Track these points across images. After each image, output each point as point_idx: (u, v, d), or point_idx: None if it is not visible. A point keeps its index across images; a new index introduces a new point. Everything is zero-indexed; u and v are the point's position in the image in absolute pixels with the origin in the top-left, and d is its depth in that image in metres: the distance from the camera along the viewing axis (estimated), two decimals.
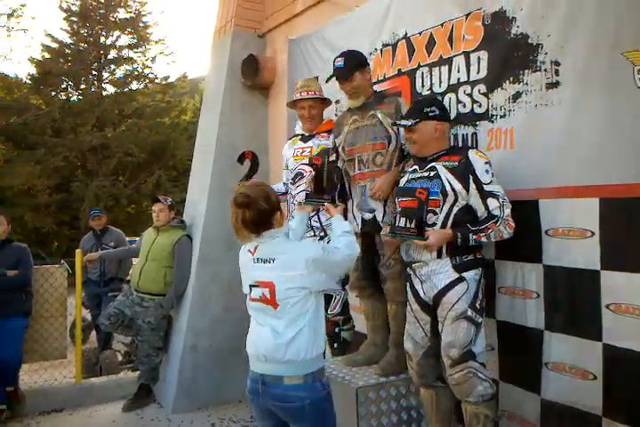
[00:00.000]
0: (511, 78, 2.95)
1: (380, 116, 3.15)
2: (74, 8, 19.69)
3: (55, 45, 19.51)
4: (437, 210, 2.71)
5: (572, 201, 2.66)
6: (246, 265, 2.41)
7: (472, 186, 2.65)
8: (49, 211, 17.38)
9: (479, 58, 3.13)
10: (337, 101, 4.17)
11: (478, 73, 3.14)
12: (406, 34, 3.66)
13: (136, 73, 20.36)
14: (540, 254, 2.78)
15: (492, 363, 2.90)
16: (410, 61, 3.64)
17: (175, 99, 21.07)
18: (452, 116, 3.16)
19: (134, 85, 20.58)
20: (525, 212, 2.76)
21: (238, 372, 4.94)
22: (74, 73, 19.18)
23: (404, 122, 2.86)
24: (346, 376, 3.15)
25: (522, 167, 2.88)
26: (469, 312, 2.64)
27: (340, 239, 2.45)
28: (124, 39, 20.27)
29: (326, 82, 3.41)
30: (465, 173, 2.66)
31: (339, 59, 3.21)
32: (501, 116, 3.02)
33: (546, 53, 2.78)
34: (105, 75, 20.18)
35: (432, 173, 2.75)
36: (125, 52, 20.26)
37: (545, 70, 2.78)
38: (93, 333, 6.99)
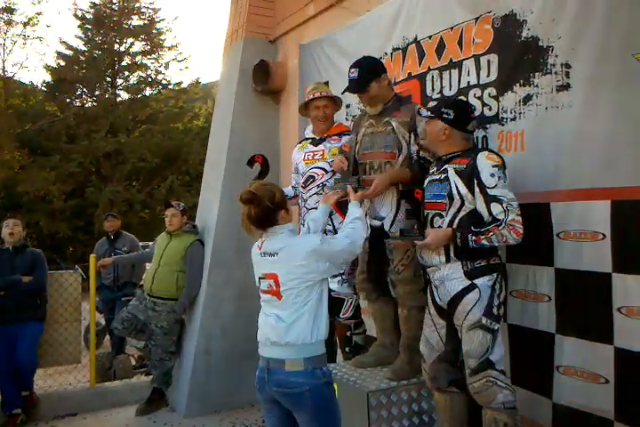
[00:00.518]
0: (521, 81, 2.95)
1: (394, 124, 3.10)
2: (88, 16, 19.89)
3: (70, 53, 19.70)
4: (443, 213, 2.70)
5: (584, 204, 2.64)
6: (255, 259, 2.56)
7: (477, 190, 2.60)
8: (64, 216, 17.50)
9: (489, 61, 3.13)
10: (347, 106, 4.18)
11: (488, 76, 3.14)
12: (416, 38, 3.67)
13: (149, 79, 20.50)
14: (552, 257, 2.77)
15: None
16: (420, 65, 3.65)
17: (188, 104, 21.17)
18: None
19: (148, 91, 20.75)
20: (537, 214, 2.76)
21: (251, 376, 4.90)
22: (88, 80, 19.35)
23: (424, 111, 2.85)
24: (357, 380, 3.14)
25: (533, 170, 2.88)
26: (484, 320, 2.59)
27: (347, 228, 2.56)
28: (138, 46, 20.45)
29: (342, 93, 3.38)
30: (470, 176, 2.62)
31: (353, 70, 3.12)
32: (512, 119, 3.01)
33: (556, 56, 2.77)
34: (119, 81, 20.36)
35: (443, 176, 2.74)
36: (139, 59, 20.41)
37: (555, 73, 2.78)
38: (107, 337, 7.04)
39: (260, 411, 4.66)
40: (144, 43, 20.40)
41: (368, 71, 3.12)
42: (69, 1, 45.98)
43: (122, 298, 6.21)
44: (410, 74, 3.74)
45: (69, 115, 18.22)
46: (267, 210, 2.40)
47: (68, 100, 19.50)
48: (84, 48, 19.90)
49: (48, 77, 19.88)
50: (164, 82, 20.67)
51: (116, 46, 20.04)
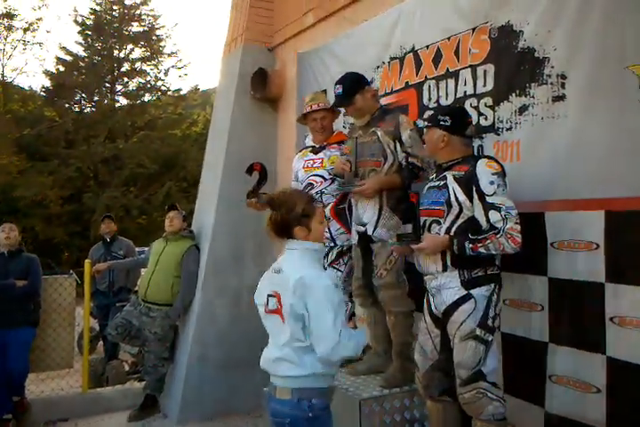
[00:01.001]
0: (518, 91, 2.98)
1: (379, 134, 3.20)
2: (88, 22, 20.01)
3: (69, 58, 19.79)
4: (441, 220, 2.70)
5: (578, 214, 2.66)
6: (266, 273, 2.36)
7: (475, 197, 2.58)
8: (60, 221, 17.50)
9: (485, 71, 3.16)
10: (345, 114, 4.20)
11: (485, 86, 3.17)
12: (414, 47, 3.70)
13: (149, 85, 20.62)
14: (546, 267, 2.78)
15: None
16: (417, 74, 3.67)
17: (187, 111, 21.29)
18: None
19: (147, 98, 20.87)
20: (531, 224, 2.75)
21: (244, 384, 4.94)
22: (87, 85, 19.44)
23: (420, 122, 2.90)
24: (350, 388, 3.14)
25: (528, 179, 2.89)
26: (478, 331, 2.57)
27: (352, 335, 2.19)
28: (138, 52, 20.59)
29: (330, 108, 3.56)
30: (469, 183, 2.60)
31: (337, 86, 3.27)
32: (507, 129, 3.04)
33: (552, 67, 2.80)
34: (118, 87, 20.46)
35: (442, 183, 2.73)
36: (138, 65, 20.53)
37: (551, 83, 2.81)
38: (100, 343, 7.01)
39: (253, 418, 4.68)
40: (144, 49, 20.55)
41: (351, 85, 3.25)
42: (70, 7, 46.21)
43: (116, 304, 6.17)
44: (407, 83, 3.76)
45: (68, 120, 18.30)
46: (282, 220, 2.24)
47: (66, 105, 19.59)
48: (83, 54, 20.01)
49: (47, 83, 19.93)
50: (163, 88, 20.81)
51: (116, 52, 20.16)
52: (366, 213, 3.21)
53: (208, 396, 4.88)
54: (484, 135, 3.17)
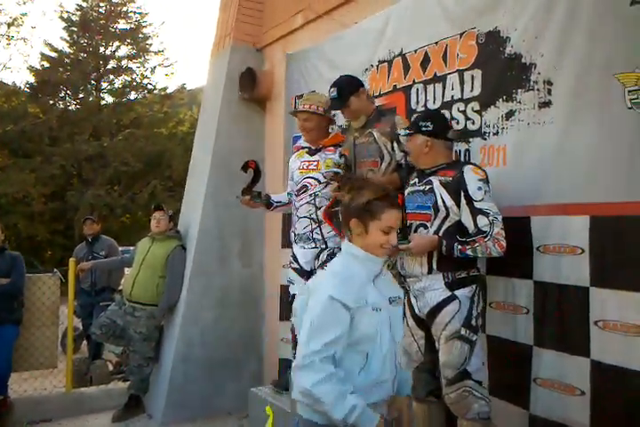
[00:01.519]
0: (504, 97, 3.00)
1: (375, 135, 3.24)
2: (74, 18, 19.85)
3: (54, 55, 19.64)
4: (428, 224, 2.73)
5: (564, 218, 2.69)
6: None
7: (463, 202, 2.64)
8: (43, 219, 17.35)
9: (473, 76, 3.19)
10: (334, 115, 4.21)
11: (472, 91, 3.19)
12: (402, 51, 3.72)
13: (135, 83, 20.50)
14: (531, 270, 2.81)
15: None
16: (405, 78, 3.69)
17: (173, 110, 21.16)
18: None
19: (132, 96, 20.73)
20: (517, 228, 2.78)
21: (228, 384, 4.94)
22: (72, 82, 19.29)
23: (401, 131, 2.96)
24: None
25: (514, 184, 2.92)
26: (463, 331, 2.63)
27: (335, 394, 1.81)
28: (124, 50, 20.46)
29: (325, 113, 3.56)
30: (457, 189, 2.66)
31: (332, 89, 3.31)
32: (494, 134, 3.06)
33: (539, 73, 2.83)
34: (103, 84, 20.32)
35: (427, 188, 2.77)
36: (124, 63, 20.41)
37: (538, 90, 2.84)
38: (84, 342, 6.97)
39: (238, 419, 4.68)
40: (130, 47, 20.42)
41: (345, 87, 3.29)
42: (55, 2, 45.76)
43: (100, 303, 6.14)
44: (395, 86, 3.78)
45: (52, 117, 18.10)
46: (344, 209, 2.03)
47: (51, 102, 19.40)
48: (69, 50, 19.85)
49: (31, 79, 19.76)
50: (149, 86, 20.71)
51: (102, 49, 20.02)
52: None
53: (193, 396, 4.88)
54: (470, 140, 3.19)
